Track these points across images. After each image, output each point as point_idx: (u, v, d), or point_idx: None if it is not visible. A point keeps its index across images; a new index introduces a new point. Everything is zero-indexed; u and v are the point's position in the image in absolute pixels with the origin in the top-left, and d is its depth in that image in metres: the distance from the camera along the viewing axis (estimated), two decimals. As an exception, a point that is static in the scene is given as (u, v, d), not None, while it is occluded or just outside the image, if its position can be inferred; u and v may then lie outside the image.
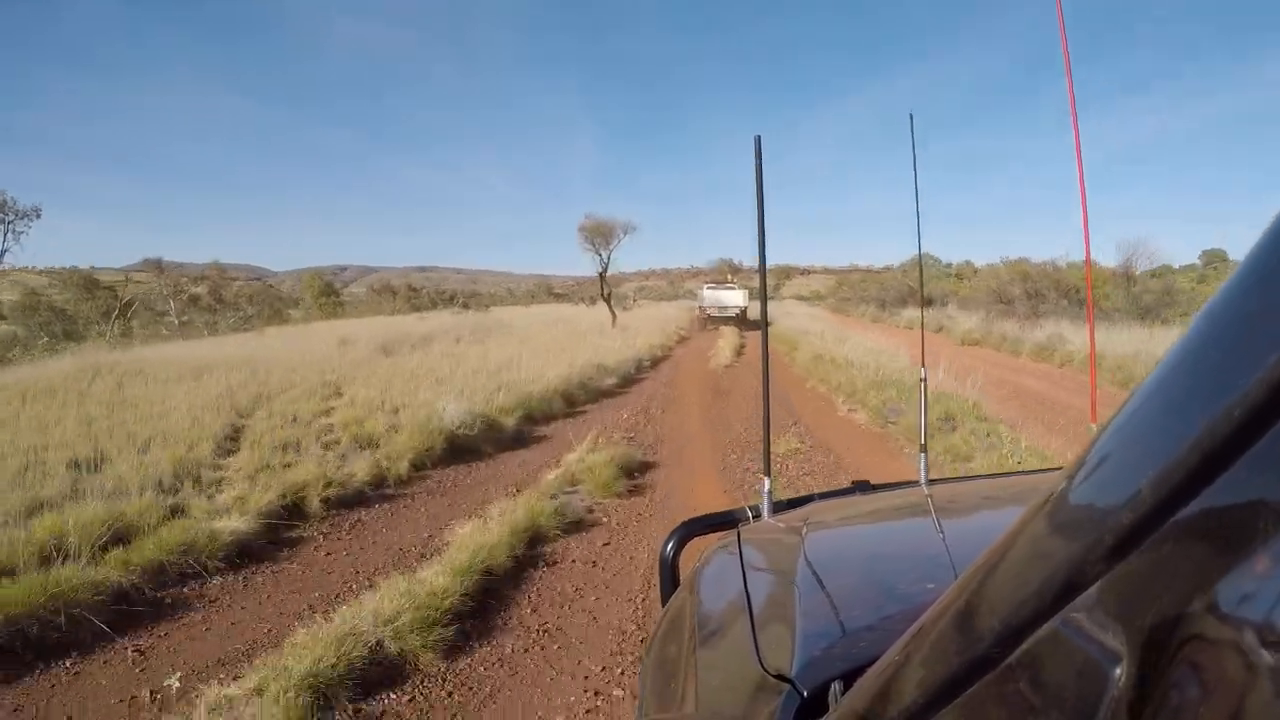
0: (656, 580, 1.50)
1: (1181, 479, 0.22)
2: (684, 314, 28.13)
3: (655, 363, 14.10)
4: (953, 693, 0.32)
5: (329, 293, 40.33)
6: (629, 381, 11.31)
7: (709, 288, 26.90)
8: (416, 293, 49.56)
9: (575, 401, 9.10)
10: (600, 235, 21.40)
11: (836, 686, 0.64)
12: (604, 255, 21.53)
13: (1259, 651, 0.20)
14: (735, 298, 25.13)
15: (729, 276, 42.45)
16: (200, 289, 35.22)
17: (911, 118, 1.45)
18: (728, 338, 17.86)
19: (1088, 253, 1.72)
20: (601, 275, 22.08)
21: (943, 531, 1.02)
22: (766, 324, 1.41)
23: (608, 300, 22.07)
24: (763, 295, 1.42)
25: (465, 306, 38.33)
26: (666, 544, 1.31)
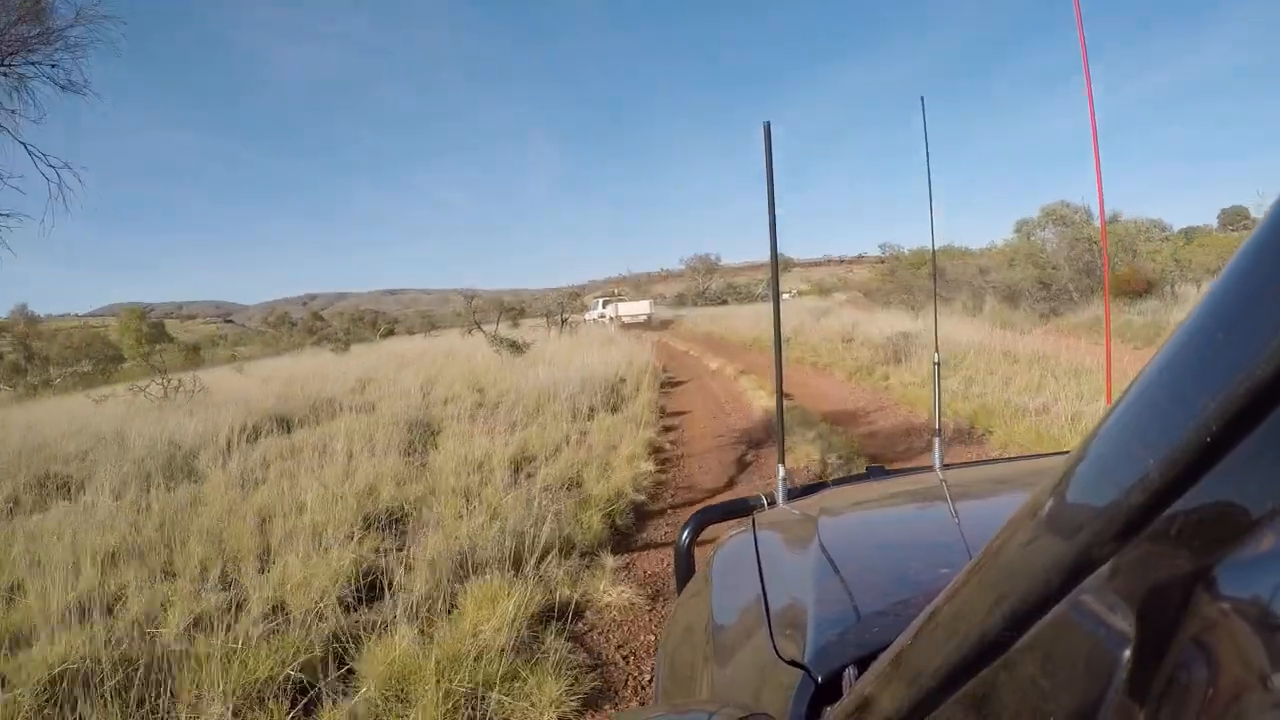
0: None
1: (1189, 459, 0.22)
2: (672, 361, 13.51)
3: None
4: (964, 677, 0.32)
5: (154, 338, 26.75)
6: None
7: (611, 301, 33.51)
8: (323, 322, 44.93)
9: None
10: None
11: (850, 672, 0.64)
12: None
13: (1266, 633, 0.20)
14: (643, 307, 32.58)
15: (616, 290, 52.84)
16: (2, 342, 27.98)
17: (923, 100, 1.45)
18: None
19: (1102, 218, 1.63)
20: None
21: (956, 515, 1.03)
22: (779, 321, 1.42)
23: None
24: (775, 287, 1.43)
25: (343, 342, 27.17)
26: (682, 532, 1.31)
